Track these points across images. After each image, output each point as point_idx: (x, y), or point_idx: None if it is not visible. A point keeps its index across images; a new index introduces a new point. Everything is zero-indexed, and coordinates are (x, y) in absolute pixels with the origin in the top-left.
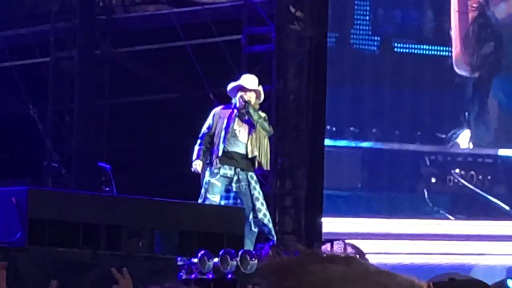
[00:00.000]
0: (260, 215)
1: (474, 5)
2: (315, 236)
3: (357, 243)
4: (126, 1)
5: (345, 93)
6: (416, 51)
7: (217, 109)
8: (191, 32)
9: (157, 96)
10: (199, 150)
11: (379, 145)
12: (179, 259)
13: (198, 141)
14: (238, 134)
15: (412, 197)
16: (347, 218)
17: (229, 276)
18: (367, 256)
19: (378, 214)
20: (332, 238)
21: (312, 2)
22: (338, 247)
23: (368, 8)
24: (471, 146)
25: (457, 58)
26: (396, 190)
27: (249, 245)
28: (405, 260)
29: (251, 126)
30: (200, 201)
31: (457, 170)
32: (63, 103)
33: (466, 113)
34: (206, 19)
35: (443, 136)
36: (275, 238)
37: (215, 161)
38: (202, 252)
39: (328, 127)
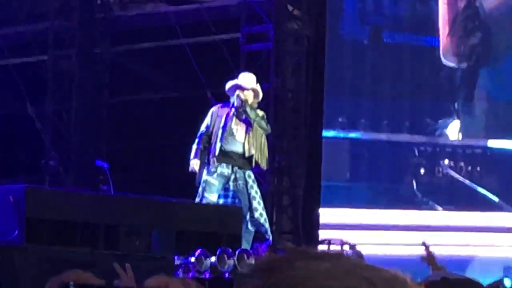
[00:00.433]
0: (257, 215)
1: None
2: (313, 234)
3: (346, 234)
4: None
5: (333, 84)
6: (404, 41)
7: (215, 108)
8: (189, 31)
9: (155, 94)
10: (196, 149)
11: (367, 136)
12: (176, 258)
13: (196, 140)
14: (235, 133)
15: (401, 188)
16: (335, 209)
17: (226, 275)
18: (357, 247)
19: (366, 205)
20: (330, 238)
21: (310, 0)
22: (335, 246)
23: None
24: (460, 137)
25: (444, 49)
26: (384, 181)
27: (245, 244)
28: (392, 251)
29: (249, 125)
30: (197, 200)
31: (446, 161)
32: (61, 102)
33: (456, 104)
34: (205, 17)
35: (433, 123)
36: (271, 237)
37: (212, 160)
38: (199, 251)
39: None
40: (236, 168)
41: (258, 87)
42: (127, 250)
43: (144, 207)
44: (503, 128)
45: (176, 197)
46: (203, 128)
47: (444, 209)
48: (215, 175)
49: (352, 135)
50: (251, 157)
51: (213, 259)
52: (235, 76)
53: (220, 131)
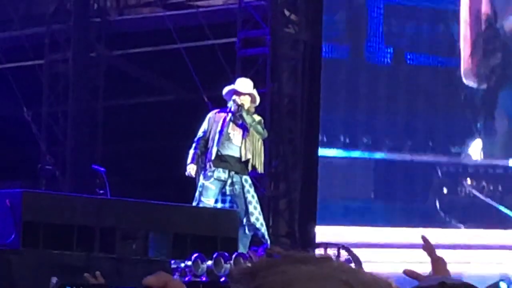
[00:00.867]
0: (253, 219)
1: (483, 17)
2: (309, 239)
3: (369, 252)
4: (120, 3)
5: (358, 105)
6: (427, 63)
7: (212, 114)
8: (185, 35)
9: (151, 98)
10: (193, 154)
11: (391, 156)
12: (172, 261)
13: (193, 145)
14: (232, 138)
15: (424, 208)
16: (359, 227)
17: (222, 279)
18: (378, 264)
19: (390, 224)
20: (326, 242)
21: (306, 5)
22: (331, 251)
23: (381, 20)
24: (482, 156)
25: (465, 70)
26: (408, 200)
27: (242, 248)
28: (416, 269)
29: (245, 129)
30: (194, 204)
31: (469, 181)
32: (57, 105)
33: (478, 124)
34: (201, 22)
35: (456, 149)
36: (268, 241)
37: (209, 164)
38: (196, 255)
39: (342, 138)
40: (232, 172)
41: (255, 92)
42: (124, 254)
43: (140, 211)
44: None
45: (173, 201)
46: (200, 133)
47: (466, 227)
48: (211, 179)
49: (377, 155)
50: (247, 161)
51: (209, 263)
52: (231, 81)
53: (217, 136)
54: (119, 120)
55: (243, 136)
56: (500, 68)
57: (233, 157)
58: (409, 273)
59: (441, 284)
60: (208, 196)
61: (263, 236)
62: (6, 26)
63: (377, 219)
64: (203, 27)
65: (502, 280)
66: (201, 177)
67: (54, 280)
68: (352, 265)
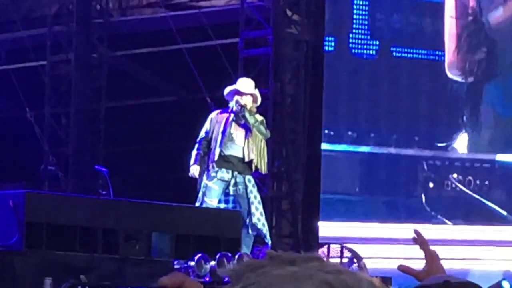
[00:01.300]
0: (254, 219)
1: (468, 11)
2: (312, 239)
3: (354, 247)
4: (122, 4)
5: (343, 98)
6: (413, 55)
7: (214, 114)
8: (188, 36)
9: (154, 99)
10: (196, 155)
11: (377, 150)
12: (175, 262)
13: (196, 146)
14: (235, 138)
15: (410, 202)
16: (344, 222)
17: (226, 279)
18: (364, 260)
19: (375, 219)
20: (329, 242)
21: (308, 5)
22: (335, 250)
23: (366, 13)
24: (468, 150)
25: (449, 63)
26: (393, 194)
27: (246, 249)
28: (406, 264)
29: (248, 130)
30: (197, 204)
31: (455, 175)
32: (60, 106)
33: (464, 118)
34: (203, 22)
35: (443, 144)
36: (270, 241)
37: (212, 165)
38: (199, 255)
39: (326, 131)
40: (236, 173)
41: (256, 92)
42: (126, 254)
43: (143, 212)
44: (510, 142)
45: (176, 201)
46: (202, 133)
47: (453, 223)
48: (214, 179)
49: (362, 149)
50: (250, 161)
51: (212, 263)
52: (233, 81)
53: (220, 136)
54: (122, 121)
55: (246, 137)
56: (485, 62)
57: (236, 157)
58: (404, 270)
59: (446, 283)
60: (212, 196)
61: (264, 236)
62: (8, 27)
63: (361, 214)
64: (205, 27)
65: (504, 279)
66: (204, 177)
67: (48, 281)
68: (355, 265)
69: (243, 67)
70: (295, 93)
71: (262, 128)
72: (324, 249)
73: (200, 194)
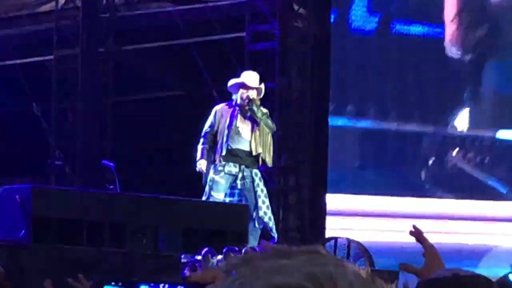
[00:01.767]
0: (261, 213)
1: None
2: (319, 233)
3: (353, 221)
4: None
5: (343, 72)
6: (413, 32)
7: (218, 107)
8: (194, 30)
9: (160, 93)
10: (202, 149)
11: (377, 125)
12: (182, 256)
13: (201, 140)
14: (241, 132)
15: (410, 177)
16: (344, 195)
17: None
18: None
19: (374, 192)
20: (337, 236)
21: None
22: (342, 244)
23: None
24: (468, 127)
25: (449, 40)
26: (393, 170)
27: (253, 242)
28: (398, 239)
29: (254, 122)
30: (204, 198)
31: (455, 152)
32: (66, 101)
33: (464, 94)
34: (210, 16)
35: (443, 119)
36: (276, 235)
37: (219, 159)
38: (206, 249)
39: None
40: (243, 166)
41: (262, 86)
42: (133, 249)
43: (150, 206)
44: (511, 119)
45: (183, 195)
46: (207, 127)
47: (454, 198)
48: (222, 173)
49: (361, 124)
50: (258, 155)
51: (219, 257)
52: (239, 75)
53: (226, 131)
54: (129, 115)
55: (252, 130)
56: (486, 39)
57: (243, 151)
58: (405, 268)
59: (455, 276)
60: (219, 190)
61: (270, 229)
62: (15, 22)
63: (361, 188)
64: (212, 21)
65: (511, 272)
66: (211, 171)
67: (48, 284)
68: (362, 259)
69: (249, 61)
70: (302, 87)
71: (269, 122)
72: (331, 243)
73: (207, 188)
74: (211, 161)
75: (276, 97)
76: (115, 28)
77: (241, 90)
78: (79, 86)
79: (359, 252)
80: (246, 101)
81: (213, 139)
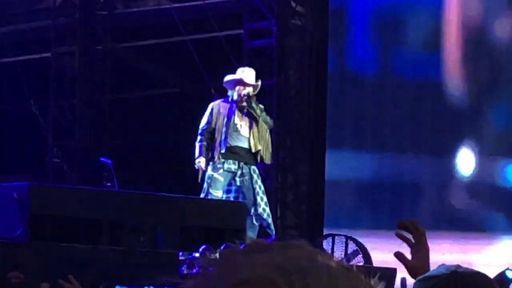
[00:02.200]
0: (260, 210)
1: (471, 27)
2: (317, 230)
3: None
4: None
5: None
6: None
7: (215, 104)
8: (192, 27)
9: (158, 91)
10: (200, 146)
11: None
12: (180, 254)
13: (198, 138)
14: (240, 129)
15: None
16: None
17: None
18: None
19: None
20: (334, 233)
21: None
22: (339, 241)
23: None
24: (470, 168)
25: (450, 82)
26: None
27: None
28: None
29: (252, 119)
30: (202, 196)
31: (456, 193)
32: (64, 98)
33: (466, 136)
34: (207, 14)
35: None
36: (273, 232)
37: (218, 156)
38: (204, 246)
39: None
40: (242, 163)
41: (258, 83)
42: (131, 246)
43: (148, 203)
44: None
45: (180, 193)
46: (203, 124)
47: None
48: (221, 171)
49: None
50: (256, 152)
51: (217, 254)
52: (236, 72)
53: (224, 128)
54: (126, 113)
55: (251, 127)
56: (489, 80)
57: (242, 148)
58: (398, 257)
59: (453, 273)
60: (217, 188)
61: (268, 226)
62: (12, 19)
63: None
64: (209, 19)
65: (508, 268)
66: (209, 169)
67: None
68: (360, 256)
69: (247, 58)
70: (300, 84)
71: (268, 118)
72: (329, 240)
73: (205, 186)
74: (209, 158)
75: (274, 94)
76: (113, 26)
77: (238, 87)
78: (76, 83)
79: (357, 249)
80: (245, 98)
81: (210, 136)
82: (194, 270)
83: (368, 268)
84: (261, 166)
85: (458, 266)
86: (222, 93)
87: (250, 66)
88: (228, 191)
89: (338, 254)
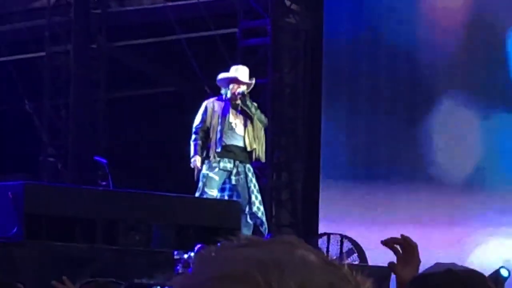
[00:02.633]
0: (254, 208)
1: None
2: (312, 229)
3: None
4: None
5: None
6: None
7: (209, 101)
8: (186, 26)
9: (153, 90)
10: (195, 145)
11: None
12: (176, 253)
13: (193, 136)
14: (234, 127)
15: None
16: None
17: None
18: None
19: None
20: (330, 232)
21: None
22: (335, 240)
23: None
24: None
25: None
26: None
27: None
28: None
29: (247, 117)
30: (197, 194)
31: None
32: (59, 97)
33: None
34: (202, 12)
35: None
36: (267, 231)
37: (213, 155)
38: (199, 245)
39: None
40: (237, 162)
41: (253, 80)
42: (127, 245)
43: (143, 202)
44: None
45: (175, 192)
46: (198, 122)
47: None
48: (216, 169)
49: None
50: (251, 150)
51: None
52: (229, 70)
53: (219, 127)
54: (121, 112)
55: (245, 125)
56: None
57: (237, 146)
58: (386, 244)
59: (448, 271)
60: (212, 187)
61: (261, 224)
62: (6, 18)
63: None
64: (204, 17)
65: (502, 266)
66: (204, 167)
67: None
68: (355, 254)
69: (242, 57)
70: (294, 82)
71: (262, 117)
72: (324, 239)
73: (200, 184)
74: (204, 157)
75: (269, 93)
76: (107, 25)
77: (232, 85)
78: (71, 82)
79: (352, 247)
80: (239, 96)
81: (205, 134)
82: (189, 269)
83: (363, 267)
84: (256, 165)
85: (453, 265)
86: (216, 92)
87: (244, 64)
88: (222, 189)
89: (334, 253)
